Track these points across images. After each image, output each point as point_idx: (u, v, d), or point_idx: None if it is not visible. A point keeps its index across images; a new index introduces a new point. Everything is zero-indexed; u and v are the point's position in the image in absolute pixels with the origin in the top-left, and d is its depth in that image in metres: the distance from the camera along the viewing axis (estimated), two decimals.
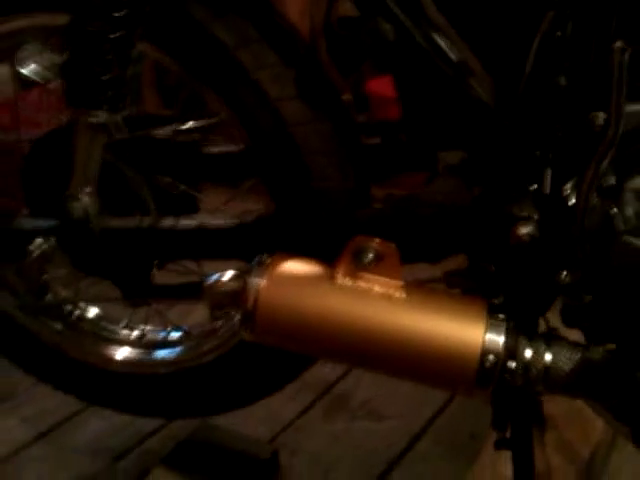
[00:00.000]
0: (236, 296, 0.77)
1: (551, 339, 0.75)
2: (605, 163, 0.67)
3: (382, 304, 0.75)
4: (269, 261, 0.78)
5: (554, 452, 1.14)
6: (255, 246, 0.86)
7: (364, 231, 0.78)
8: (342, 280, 0.76)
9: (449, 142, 0.88)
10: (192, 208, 1.00)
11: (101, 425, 1.31)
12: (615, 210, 0.69)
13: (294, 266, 0.78)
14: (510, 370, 0.73)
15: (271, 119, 0.87)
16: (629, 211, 0.68)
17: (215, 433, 1.22)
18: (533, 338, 0.75)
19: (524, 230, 0.75)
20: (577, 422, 1.18)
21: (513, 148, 0.80)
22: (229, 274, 0.80)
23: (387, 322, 0.75)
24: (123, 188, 0.98)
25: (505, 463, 1.14)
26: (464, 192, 0.86)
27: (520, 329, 0.75)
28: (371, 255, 0.76)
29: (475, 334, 0.73)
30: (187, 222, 0.92)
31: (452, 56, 0.81)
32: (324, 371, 1.40)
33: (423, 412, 1.29)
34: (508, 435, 0.92)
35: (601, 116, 0.74)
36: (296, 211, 0.90)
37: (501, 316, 0.74)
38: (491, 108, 0.80)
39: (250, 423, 1.26)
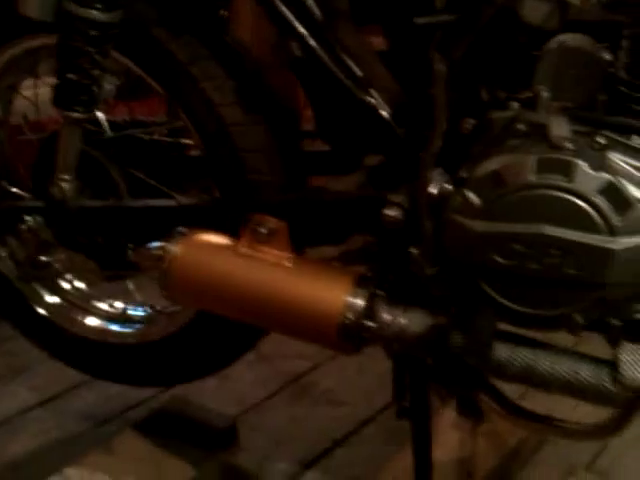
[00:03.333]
0: (158, 261, 0.98)
1: (411, 306, 0.92)
2: (433, 156, 0.84)
3: (272, 271, 0.94)
4: (186, 233, 0.98)
5: (483, 440, 1.27)
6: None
7: (281, 216, 0.98)
8: (242, 250, 0.96)
9: (367, 147, 1.07)
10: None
11: (95, 396, 1.53)
12: (454, 195, 0.85)
13: (205, 238, 0.98)
14: (368, 329, 0.91)
15: (214, 121, 1.08)
16: (461, 195, 0.84)
17: (185, 406, 1.42)
18: (394, 304, 0.92)
19: (390, 212, 0.92)
20: None
21: (404, 151, 0.98)
22: (158, 244, 1.01)
23: (275, 286, 0.93)
24: (105, 178, 1.22)
25: (435, 445, 1.29)
26: (367, 186, 1.04)
27: (387, 296, 0.93)
28: (266, 231, 0.95)
29: (339, 297, 0.91)
30: (140, 203, 1.14)
31: (357, 71, 1.00)
32: (296, 364, 1.58)
33: (376, 402, 1.45)
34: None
35: (470, 122, 0.92)
36: (235, 198, 1.10)
37: (367, 284, 0.92)
38: (382, 118, 0.99)
39: (220, 402, 1.46)
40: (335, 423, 1.42)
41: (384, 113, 0.99)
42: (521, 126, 0.85)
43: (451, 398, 1.18)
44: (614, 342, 0.83)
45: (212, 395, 1.48)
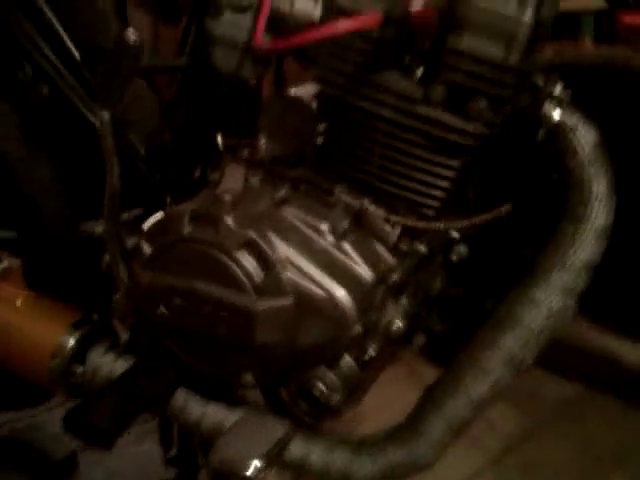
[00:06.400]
0: None
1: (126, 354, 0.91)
2: (111, 200, 0.83)
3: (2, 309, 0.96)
4: None
5: None
6: None
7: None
8: None
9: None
10: None
11: None
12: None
13: None
14: (75, 374, 0.91)
15: None
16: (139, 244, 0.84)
17: (33, 434, 1.45)
18: (109, 350, 0.92)
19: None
20: None
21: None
22: None
23: (2, 324, 0.95)
24: None
25: None
26: None
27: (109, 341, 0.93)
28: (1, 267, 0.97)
29: (52, 339, 0.92)
30: None
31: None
32: None
33: None
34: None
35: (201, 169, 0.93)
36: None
37: (85, 326, 0.92)
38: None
39: None
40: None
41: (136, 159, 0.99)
42: (217, 175, 0.84)
43: None
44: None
45: None
